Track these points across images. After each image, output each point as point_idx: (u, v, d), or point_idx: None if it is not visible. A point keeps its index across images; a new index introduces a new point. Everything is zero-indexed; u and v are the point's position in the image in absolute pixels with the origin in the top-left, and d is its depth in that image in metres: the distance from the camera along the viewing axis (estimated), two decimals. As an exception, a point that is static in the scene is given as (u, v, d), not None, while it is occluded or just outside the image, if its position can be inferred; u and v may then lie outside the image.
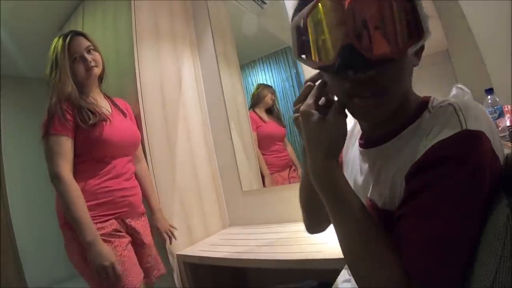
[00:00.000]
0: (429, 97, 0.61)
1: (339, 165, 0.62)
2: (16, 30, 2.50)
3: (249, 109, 2.21)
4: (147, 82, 1.88)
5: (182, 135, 2.05)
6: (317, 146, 0.60)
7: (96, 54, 1.50)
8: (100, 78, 1.58)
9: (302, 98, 0.67)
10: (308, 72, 1.85)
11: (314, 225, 0.90)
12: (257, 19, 2.18)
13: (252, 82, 2.28)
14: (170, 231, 1.66)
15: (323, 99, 0.65)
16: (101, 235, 1.28)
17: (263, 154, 2.14)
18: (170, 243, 1.68)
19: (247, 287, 2.12)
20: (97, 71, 1.49)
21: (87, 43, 1.47)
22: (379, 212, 0.63)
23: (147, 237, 1.53)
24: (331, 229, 1.49)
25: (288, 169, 2.10)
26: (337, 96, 0.62)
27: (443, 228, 0.47)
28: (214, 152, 2.28)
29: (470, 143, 0.48)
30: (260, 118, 2.18)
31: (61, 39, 1.43)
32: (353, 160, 0.76)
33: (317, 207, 0.72)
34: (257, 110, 2.19)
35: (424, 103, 0.60)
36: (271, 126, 2.17)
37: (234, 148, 2.18)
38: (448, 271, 0.47)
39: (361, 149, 0.71)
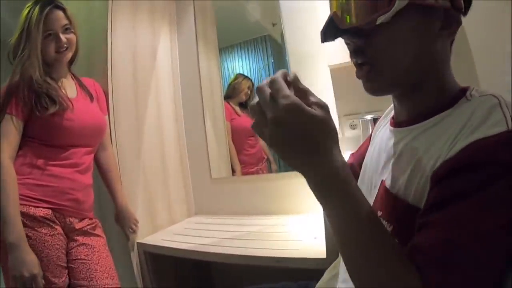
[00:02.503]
0: (469, 86, 0.54)
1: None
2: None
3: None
4: (119, 52, 1.63)
5: (151, 113, 1.82)
6: (319, 145, 0.43)
7: (72, 35, 1.29)
8: (71, 60, 1.37)
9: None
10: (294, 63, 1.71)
11: None
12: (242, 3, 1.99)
13: (228, 67, 2.09)
14: (133, 226, 1.49)
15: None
16: (24, 216, 1.09)
17: (236, 149, 1.98)
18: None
19: (212, 281, 1.96)
20: (69, 55, 1.31)
21: (65, 21, 1.27)
22: (389, 197, 0.55)
23: (93, 250, 1.28)
24: (307, 224, 1.39)
25: (260, 163, 1.96)
26: None
27: (480, 247, 0.39)
28: (184, 134, 2.07)
29: None
30: (234, 110, 2.01)
31: (37, 8, 1.21)
32: (381, 139, 0.67)
33: None
34: (231, 102, 2.01)
35: (463, 91, 0.53)
36: (244, 120, 2.01)
37: (206, 131, 1.99)
38: None
39: (391, 127, 0.63)
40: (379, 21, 0.48)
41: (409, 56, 0.51)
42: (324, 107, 0.44)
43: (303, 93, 0.46)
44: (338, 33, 0.52)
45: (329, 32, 0.53)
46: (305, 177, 0.45)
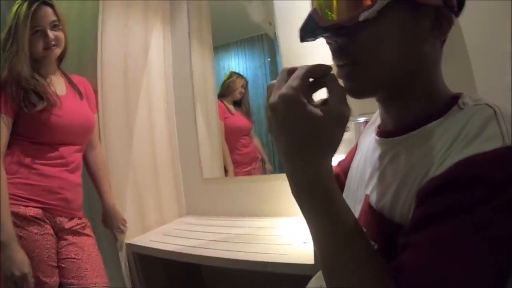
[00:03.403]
0: (461, 93, 0.49)
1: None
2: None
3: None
4: (110, 50, 1.58)
5: (142, 111, 1.78)
6: (307, 145, 0.42)
7: (60, 32, 1.26)
8: (60, 57, 1.34)
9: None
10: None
11: None
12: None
13: (223, 65, 2.05)
14: (121, 226, 1.46)
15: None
16: (15, 215, 1.07)
17: (229, 148, 1.93)
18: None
19: (202, 283, 1.93)
20: (57, 51, 1.27)
21: (53, 18, 1.24)
22: (374, 214, 0.51)
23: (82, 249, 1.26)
24: (299, 228, 1.36)
25: (253, 163, 1.92)
26: None
27: (462, 271, 0.35)
28: (175, 132, 2.03)
29: None
30: (228, 109, 1.96)
31: (26, 4, 1.19)
32: (367, 149, 0.63)
33: None
34: (225, 101, 1.97)
35: (454, 98, 0.48)
36: (238, 119, 1.97)
37: (198, 131, 1.94)
38: None
39: (377, 137, 0.58)
40: (362, 18, 0.43)
41: (394, 56, 0.46)
42: (334, 112, 0.42)
43: (329, 92, 0.45)
44: (319, 32, 0.47)
45: (309, 31, 0.48)
46: (286, 174, 0.44)
